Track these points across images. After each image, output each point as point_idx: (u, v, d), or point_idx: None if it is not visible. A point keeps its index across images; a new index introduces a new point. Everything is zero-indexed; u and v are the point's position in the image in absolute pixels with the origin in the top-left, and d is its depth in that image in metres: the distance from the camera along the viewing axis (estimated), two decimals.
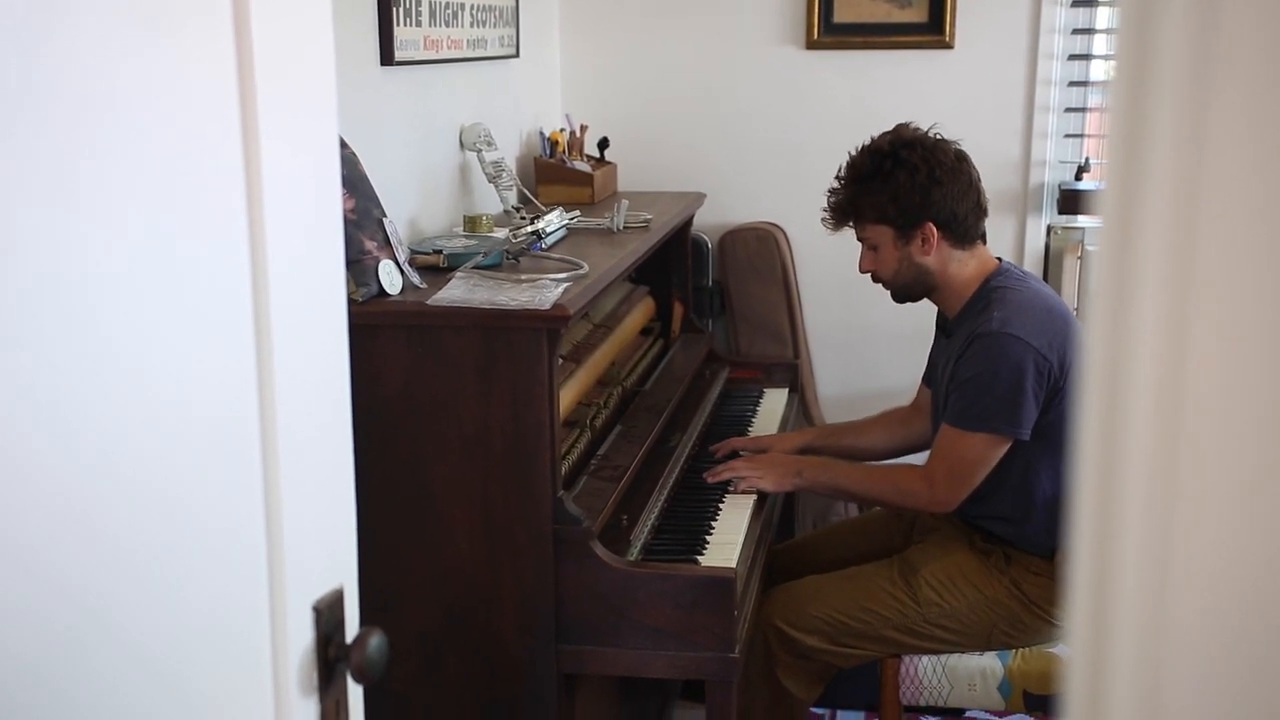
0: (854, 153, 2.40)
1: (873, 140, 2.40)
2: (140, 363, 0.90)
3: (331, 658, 1.23)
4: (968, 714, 3.21)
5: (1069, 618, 0.50)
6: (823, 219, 2.46)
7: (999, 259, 2.43)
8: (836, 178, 2.42)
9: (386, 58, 2.22)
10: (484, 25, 2.75)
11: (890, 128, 2.43)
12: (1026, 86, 3.30)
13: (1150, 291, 0.37)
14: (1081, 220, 3.34)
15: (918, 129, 2.39)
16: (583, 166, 3.11)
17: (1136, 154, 0.37)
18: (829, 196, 2.43)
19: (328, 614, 1.21)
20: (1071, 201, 3.28)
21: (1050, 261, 3.36)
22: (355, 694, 1.30)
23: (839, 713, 3.20)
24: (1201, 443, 0.40)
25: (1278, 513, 0.41)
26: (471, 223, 2.40)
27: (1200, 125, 0.36)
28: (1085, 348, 0.42)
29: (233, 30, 0.98)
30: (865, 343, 3.49)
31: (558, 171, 3.07)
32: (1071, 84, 3.32)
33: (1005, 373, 2.23)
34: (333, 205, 1.16)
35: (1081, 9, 3.28)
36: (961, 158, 2.37)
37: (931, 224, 2.34)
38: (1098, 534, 0.44)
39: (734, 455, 2.62)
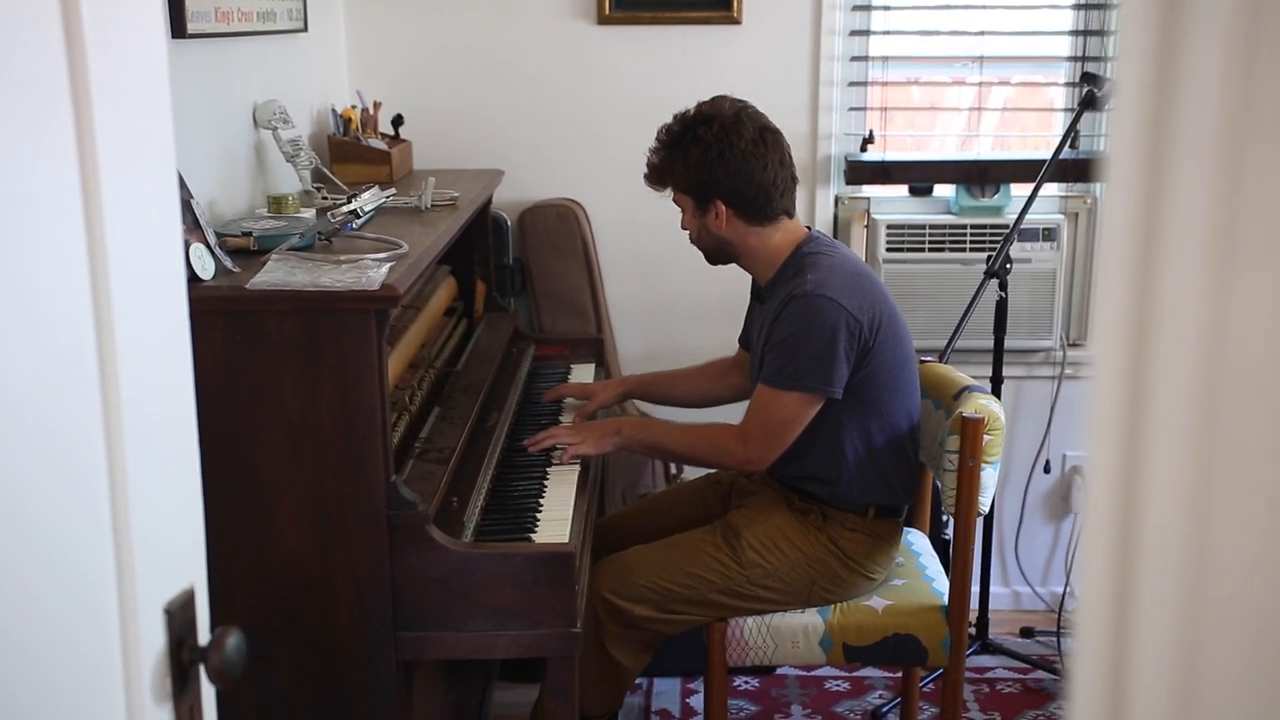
0: (671, 119, 2.44)
1: (692, 108, 2.43)
2: None
3: (185, 661, 1.18)
4: (778, 670, 3.32)
5: (1078, 617, 0.50)
6: (645, 175, 2.48)
7: (808, 227, 2.50)
8: (657, 139, 2.45)
9: (178, 29, 2.10)
10: None
11: (693, 102, 2.46)
12: (811, 62, 3.40)
13: (1183, 247, 0.38)
14: (866, 190, 3.48)
15: (736, 103, 2.42)
16: (378, 144, 3.03)
17: (1164, 117, 0.37)
18: (648, 156, 2.47)
19: (179, 615, 1.15)
20: (857, 172, 3.40)
21: (839, 230, 3.48)
22: (209, 697, 1.25)
23: (656, 680, 3.25)
24: (1240, 420, 0.40)
25: None
26: (277, 203, 2.30)
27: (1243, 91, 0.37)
28: (1096, 311, 0.43)
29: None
30: (666, 316, 3.53)
31: (353, 150, 2.98)
32: (854, 59, 3.43)
33: (818, 333, 2.30)
34: (169, 184, 1.10)
35: None
36: (761, 139, 2.38)
37: (720, 201, 2.39)
38: (1118, 518, 0.44)
39: (558, 404, 2.69)
